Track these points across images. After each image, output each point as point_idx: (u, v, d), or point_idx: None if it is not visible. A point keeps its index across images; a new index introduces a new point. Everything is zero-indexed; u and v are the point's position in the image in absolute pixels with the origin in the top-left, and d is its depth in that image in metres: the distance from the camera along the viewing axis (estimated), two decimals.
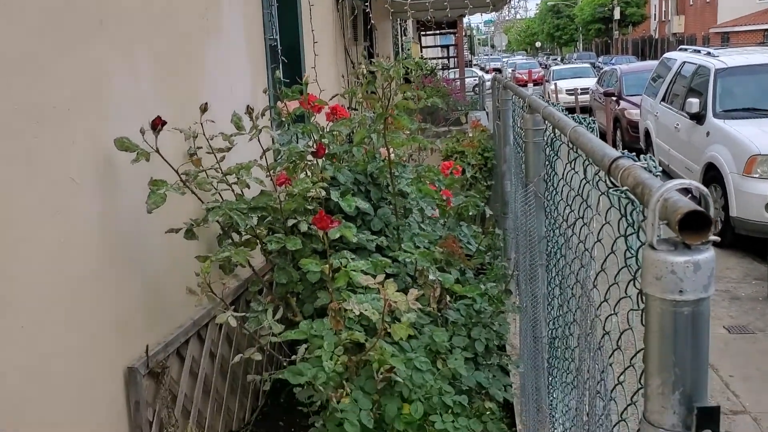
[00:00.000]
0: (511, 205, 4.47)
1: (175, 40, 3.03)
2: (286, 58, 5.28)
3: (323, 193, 2.69)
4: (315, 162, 3.10)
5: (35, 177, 2.05)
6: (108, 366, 2.42)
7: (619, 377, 1.48)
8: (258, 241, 2.77)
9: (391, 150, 3.27)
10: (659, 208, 0.96)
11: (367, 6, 6.81)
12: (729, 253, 7.04)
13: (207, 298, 2.53)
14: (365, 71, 2.98)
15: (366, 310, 2.21)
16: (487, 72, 45.12)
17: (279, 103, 3.12)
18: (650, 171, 1.19)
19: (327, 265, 2.40)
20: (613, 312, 1.55)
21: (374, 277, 2.24)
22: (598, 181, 1.66)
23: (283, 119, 3.12)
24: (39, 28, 2.08)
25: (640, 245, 1.26)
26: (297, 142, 3.19)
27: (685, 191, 1.05)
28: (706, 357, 0.98)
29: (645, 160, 1.25)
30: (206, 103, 2.73)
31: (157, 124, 2.40)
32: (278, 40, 5.26)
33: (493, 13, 15.70)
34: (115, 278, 2.48)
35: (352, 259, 2.80)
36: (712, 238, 0.95)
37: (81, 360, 2.26)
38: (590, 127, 1.84)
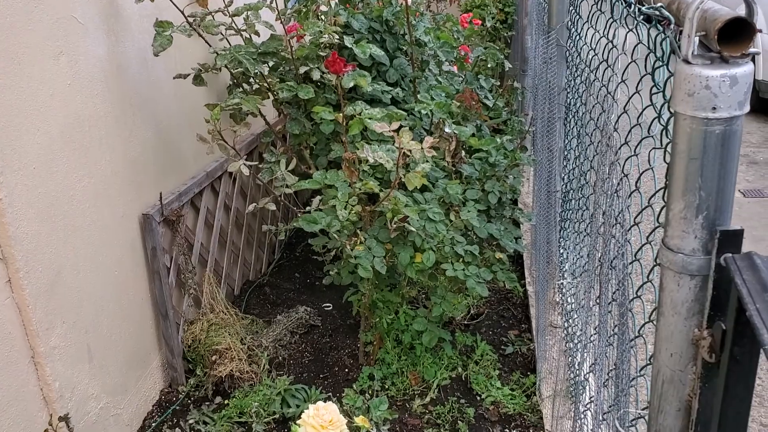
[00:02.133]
0: (531, 61, 4.31)
1: None
2: None
3: (336, 38, 2.57)
4: (328, 6, 2.96)
5: (38, 15, 1.96)
6: (123, 212, 2.44)
7: (635, 218, 1.46)
8: (269, 90, 2.70)
9: None
10: (697, 17, 0.89)
11: None
12: (752, 117, 6.88)
13: (218, 147, 2.50)
14: None
15: (381, 158, 2.17)
16: None
17: None
18: None
19: (341, 114, 2.34)
20: (633, 153, 1.51)
21: (389, 124, 2.19)
22: (626, 16, 1.55)
23: None
24: None
25: (668, 76, 1.19)
26: None
27: None
28: (734, 181, 0.94)
29: None
30: None
31: None
32: None
33: None
34: (126, 123, 2.44)
35: (366, 109, 2.74)
36: (753, 50, 0.88)
37: (95, 202, 2.27)
38: None
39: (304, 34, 2.57)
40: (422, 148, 2.15)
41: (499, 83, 3.63)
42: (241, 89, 2.67)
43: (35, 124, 1.96)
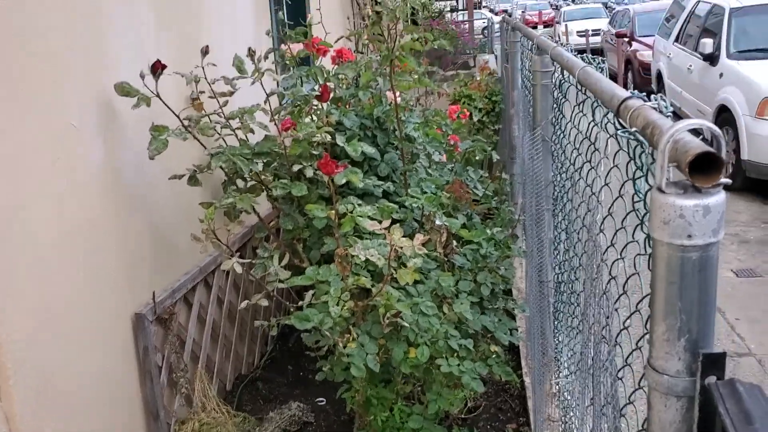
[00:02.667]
0: (518, 149, 4.42)
1: None
2: None
3: (329, 137, 2.65)
4: (320, 106, 3.05)
5: (34, 123, 2.02)
6: (116, 312, 2.44)
7: (624, 322, 1.47)
8: (263, 187, 2.75)
9: (398, 94, 3.21)
10: (669, 149, 0.93)
11: None
12: (739, 196, 6.99)
13: (212, 245, 2.52)
14: (370, 12, 2.90)
15: (372, 255, 2.19)
16: (496, 14, 44.20)
17: (283, 45, 3.05)
18: (660, 111, 1.15)
19: (333, 211, 2.38)
20: (619, 257, 1.54)
21: (380, 222, 2.22)
22: (607, 123, 1.62)
23: (287, 62, 3.06)
24: None
25: (648, 189, 1.23)
26: (302, 86, 3.13)
27: (696, 133, 1.02)
28: (714, 303, 0.96)
29: (655, 99, 1.21)
30: (207, 46, 2.67)
31: (158, 68, 2.35)
32: None
33: None
34: (120, 225, 2.47)
35: (358, 204, 2.79)
36: (724, 180, 0.92)
37: (89, 306, 2.27)
38: (599, 68, 1.79)
39: (298, 132, 2.64)
40: (413, 246, 2.18)
41: (488, 173, 3.70)
42: (234, 187, 2.72)
43: (29, 230, 1.98)
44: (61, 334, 2.12)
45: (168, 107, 2.45)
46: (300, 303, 2.64)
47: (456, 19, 15.05)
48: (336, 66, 3.45)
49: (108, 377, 2.39)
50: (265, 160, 2.69)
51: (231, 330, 3.43)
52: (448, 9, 23.07)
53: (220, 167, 2.52)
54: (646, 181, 1.25)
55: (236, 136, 2.75)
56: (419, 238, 2.19)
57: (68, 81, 2.18)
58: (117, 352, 2.45)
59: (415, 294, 2.67)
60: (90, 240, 2.28)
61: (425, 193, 3.14)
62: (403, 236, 2.94)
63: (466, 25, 12.79)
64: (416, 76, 2.96)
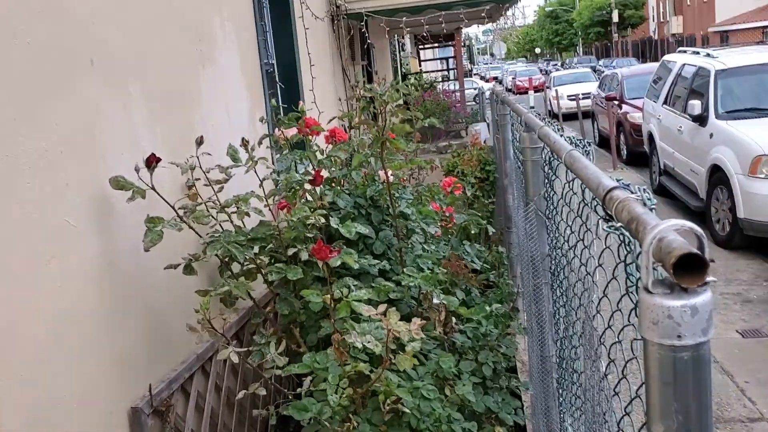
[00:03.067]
0: (514, 219, 4.43)
1: (168, 75, 3.03)
2: (283, 81, 5.29)
3: (322, 220, 2.66)
4: (314, 190, 3.08)
5: (28, 224, 2.03)
6: (110, 408, 2.39)
7: (626, 408, 1.44)
8: (259, 270, 2.75)
9: (391, 172, 3.25)
10: (653, 249, 0.93)
11: (362, 26, 6.82)
12: (738, 254, 6.98)
13: (208, 334, 2.50)
14: (361, 95, 2.96)
15: (369, 342, 2.17)
16: (487, 81, 45.17)
17: (276, 131, 3.11)
18: (645, 204, 1.16)
19: (328, 295, 2.38)
20: (617, 340, 1.52)
21: (376, 306, 2.21)
22: (596, 205, 1.63)
23: (282, 146, 3.11)
24: (24, 73, 2.08)
25: (638, 277, 1.23)
26: (296, 169, 3.17)
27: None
28: (710, 401, 0.94)
29: (640, 192, 1.22)
30: (201, 137, 2.72)
31: (152, 162, 2.39)
32: (275, 64, 5.27)
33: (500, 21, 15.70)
34: (115, 317, 2.46)
35: (354, 285, 2.78)
36: (710, 279, 0.92)
37: (83, 403, 2.23)
38: (586, 150, 1.81)
39: (292, 216, 2.66)
40: (410, 330, 2.16)
41: (486, 246, 3.71)
42: (230, 272, 2.72)
43: (24, 331, 1.97)
44: None
45: (163, 199, 2.47)
46: (299, 390, 2.60)
47: (447, 88, 15.36)
48: (330, 145, 3.51)
49: None
50: (260, 245, 2.70)
51: (230, 417, 3.35)
52: (439, 79, 23.59)
53: (216, 255, 2.53)
54: (636, 268, 1.25)
55: (232, 222, 2.77)
56: (416, 321, 2.17)
57: (63, 179, 2.21)
58: None
59: (415, 377, 2.64)
60: (83, 335, 2.26)
61: (422, 270, 3.14)
62: (402, 316, 2.93)
63: (458, 95, 13.04)
64: (407, 156, 3.00)
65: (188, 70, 3.26)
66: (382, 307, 2.20)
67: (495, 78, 52.15)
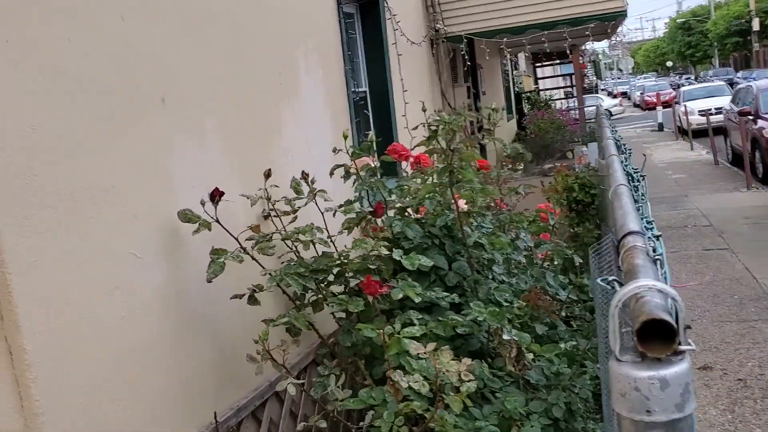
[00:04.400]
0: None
1: (245, 108, 3.13)
2: (375, 108, 5.34)
3: (384, 252, 2.63)
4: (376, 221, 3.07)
5: (93, 255, 2.14)
6: None
7: None
8: (325, 301, 2.76)
9: (465, 201, 3.17)
10: (618, 313, 0.83)
11: (462, 48, 6.77)
12: None
13: (272, 365, 2.53)
14: (430, 124, 2.91)
15: (416, 381, 2.11)
16: (614, 96, 43.43)
17: (348, 161, 3.12)
18: (648, 254, 1.04)
19: (381, 332, 2.33)
20: None
21: (426, 345, 2.14)
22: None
23: (354, 175, 3.12)
24: (96, 112, 2.20)
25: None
26: (368, 198, 3.17)
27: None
28: None
29: (652, 240, 1.10)
30: (269, 170, 2.78)
31: (215, 195, 2.46)
32: (367, 92, 5.33)
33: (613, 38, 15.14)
34: (183, 346, 2.54)
35: (419, 319, 2.72)
36: (685, 347, 0.80)
37: (144, 429, 2.31)
38: (635, 185, 1.67)
39: (354, 249, 2.64)
40: (458, 371, 2.07)
41: (569, 277, 3.53)
42: (295, 303, 2.74)
43: (85, 359, 2.07)
44: None
45: (227, 231, 2.53)
46: (361, 424, 2.57)
47: (564, 107, 14.94)
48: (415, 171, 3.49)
49: None
50: (322, 277, 2.70)
51: None
52: (556, 97, 22.94)
53: (278, 285, 2.56)
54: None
55: (296, 253, 2.80)
56: (465, 362, 2.08)
57: (130, 212, 2.32)
58: None
59: (479, 416, 2.53)
60: (146, 363, 2.35)
61: (498, 303, 3.03)
62: (471, 352, 2.83)
63: (574, 113, 12.64)
64: (477, 186, 2.91)
65: (267, 103, 3.35)
66: (431, 345, 2.13)
67: (623, 93, 50.09)
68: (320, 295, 2.80)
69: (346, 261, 2.72)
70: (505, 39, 6.47)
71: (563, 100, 21.72)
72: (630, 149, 2.78)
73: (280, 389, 2.41)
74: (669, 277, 1.44)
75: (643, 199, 1.70)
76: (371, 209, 2.79)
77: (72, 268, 2.06)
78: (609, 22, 6.59)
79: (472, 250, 3.05)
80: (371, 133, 3.08)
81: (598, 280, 1.09)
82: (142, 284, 2.36)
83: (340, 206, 2.87)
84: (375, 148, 3.10)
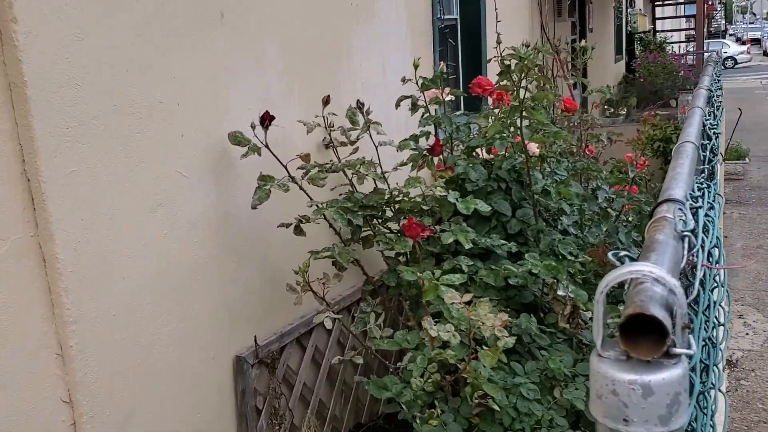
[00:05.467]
0: None
1: (312, 29, 3.00)
2: (465, 37, 5.08)
3: (439, 192, 2.50)
4: (445, 156, 2.92)
5: (136, 170, 2.13)
6: (213, 354, 2.49)
7: None
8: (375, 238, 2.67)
9: (538, 145, 2.96)
10: (603, 299, 0.68)
11: None
12: None
13: (314, 297, 2.49)
14: (503, 58, 2.69)
15: (447, 332, 2.00)
16: (743, 43, 40.05)
17: (416, 92, 2.96)
18: (676, 228, 0.87)
19: (420, 275, 2.23)
20: None
21: (462, 295, 2.02)
22: None
23: (422, 107, 2.96)
24: (145, 24, 2.14)
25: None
26: (439, 133, 3.02)
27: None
28: None
29: (685, 211, 0.92)
30: (328, 96, 2.67)
31: (265, 119, 2.38)
32: (457, 19, 5.07)
33: None
34: (227, 266, 2.53)
35: (469, 265, 2.60)
36: (680, 350, 0.65)
37: (182, 347, 2.34)
38: (704, 146, 1.45)
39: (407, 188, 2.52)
40: (493, 325, 1.94)
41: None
42: (340, 238, 2.67)
43: (121, 272, 2.09)
44: (147, 372, 2.20)
45: (276, 157, 2.47)
46: (398, 364, 2.51)
47: (680, 51, 13.90)
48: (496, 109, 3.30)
49: (200, 418, 2.44)
50: (371, 213, 2.60)
51: (352, 375, 3.37)
52: (681, 39, 21.39)
53: (324, 218, 2.49)
54: None
55: (352, 186, 2.71)
56: (501, 318, 1.95)
57: (178, 130, 2.28)
58: (212, 394, 2.50)
59: (520, 372, 2.41)
60: (191, 280, 2.35)
61: (561, 256, 2.85)
62: (524, 305, 2.70)
63: (688, 59, 11.74)
64: (552, 130, 2.69)
65: (338, 24, 3.21)
66: (467, 296, 2.00)
67: (754, 40, 46.13)
68: (371, 232, 2.71)
69: (399, 199, 2.61)
70: None
71: (683, 44, 20.24)
72: (721, 101, 2.47)
73: (317, 321, 2.37)
74: (723, 256, 1.24)
75: (713, 158, 1.48)
76: (428, 147, 2.64)
77: (113, 181, 2.05)
78: None
79: (538, 198, 2.86)
80: (441, 65, 2.89)
81: (609, 254, 0.93)
82: (187, 204, 2.34)
83: (404, 140, 2.74)
84: (445, 80, 2.91)
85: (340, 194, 2.76)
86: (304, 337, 2.98)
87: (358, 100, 2.62)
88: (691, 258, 0.88)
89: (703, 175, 1.35)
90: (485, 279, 2.59)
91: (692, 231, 0.91)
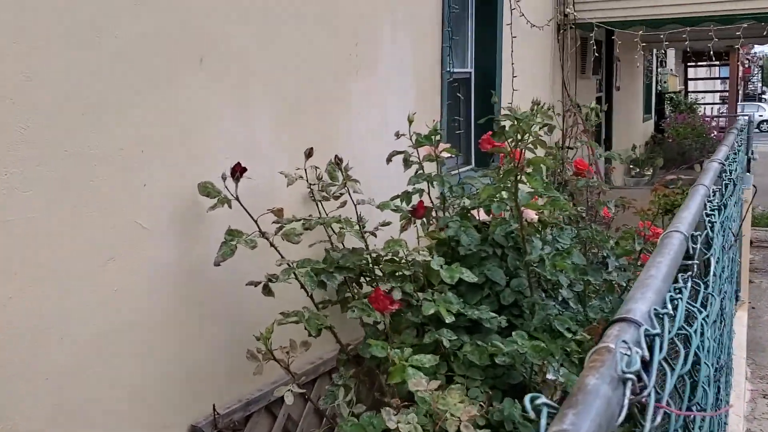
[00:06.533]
0: None
1: (306, 79, 2.87)
2: (479, 92, 4.93)
3: (423, 257, 2.30)
4: (438, 216, 2.73)
5: (87, 221, 1.97)
6: (166, 422, 2.29)
7: None
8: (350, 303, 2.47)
9: (537, 212, 2.75)
10: None
11: (592, 37, 6.15)
12: None
13: (280, 366, 2.29)
14: (495, 120, 2.52)
15: (408, 422, 1.77)
16: None
17: (409, 148, 2.79)
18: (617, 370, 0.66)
19: (389, 352, 2.02)
20: None
21: (429, 381, 1.80)
22: None
23: (416, 163, 2.78)
24: (108, 65, 2.01)
25: None
26: (428, 192, 2.83)
27: None
28: None
29: (628, 345, 0.71)
30: (311, 149, 2.51)
31: (236, 171, 2.22)
32: (472, 73, 4.93)
33: None
34: (188, 330, 2.35)
35: (451, 340, 2.38)
36: None
37: (131, 412, 2.15)
38: (696, 238, 1.24)
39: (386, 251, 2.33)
40: (460, 420, 1.72)
41: None
42: (314, 302, 2.47)
43: (60, 331, 1.91)
44: None
45: (246, 211, 2.29)
46: None
47: (718, 112, 13.65)
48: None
49: None
50: (347, 275, 2.41)
51: None
52: (716, 101, 21.12)
53: (296, 278, 2.30)
54: None
55: (332, 243, 2.52)
56: (470, 411, 1.72)
57: (140, 179, 2.13)
58: None
59: None
60: (143, 340, 2.17)
61: (556, 332, 2.62)
62: (512, 386, 2.50)
63: (720, 121, 11.49)
64: (545, 196, 2.49)
65: (335, 74, 3.07)
66: (434, 383, 1.79)
67: None
68: (349, 295, 2.51)
69: (387, 258, 2.41)
70: (640, 32, 5.79)
71: (716, 105, 19.96)
72: (734, 177, 2.24)
73: (278, 395, 2.16)
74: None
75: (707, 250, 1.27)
76: (412, 208, 2.45)
77: (58, 232, 1.89)
78: (766, 23, 5.72)
79: (533, 268, 2.65)
80: (435, 121, 2.72)
81: (526, 399, 0.72)
82: (146, 257, 2.17)
83: (395, 196, 2.55)
84: (440, 138, 2.74)
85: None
86: (275, 404, 2.76)
87: (335, 156, 2.45)
88: (642, 400, 0.68)
89: (689, 273, 1.14)
90: (469, 356, 2.36)
91: (646, 364, 0.71)
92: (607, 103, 8.78)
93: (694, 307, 1.08)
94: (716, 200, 1.67)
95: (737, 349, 4.91)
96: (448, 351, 2.38)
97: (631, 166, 10.12)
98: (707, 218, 1.38)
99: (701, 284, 1.22)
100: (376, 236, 2.58)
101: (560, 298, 2.96)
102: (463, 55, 4.88)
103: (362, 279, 2.57)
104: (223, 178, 2.26)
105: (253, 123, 2.59)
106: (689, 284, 1.14)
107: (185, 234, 2.32)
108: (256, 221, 2.30)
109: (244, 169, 2.23)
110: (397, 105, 3.61)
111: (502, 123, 2.46)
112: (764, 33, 5.65)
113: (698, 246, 1.24)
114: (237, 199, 2.27)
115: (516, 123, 2.36)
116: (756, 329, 7.33)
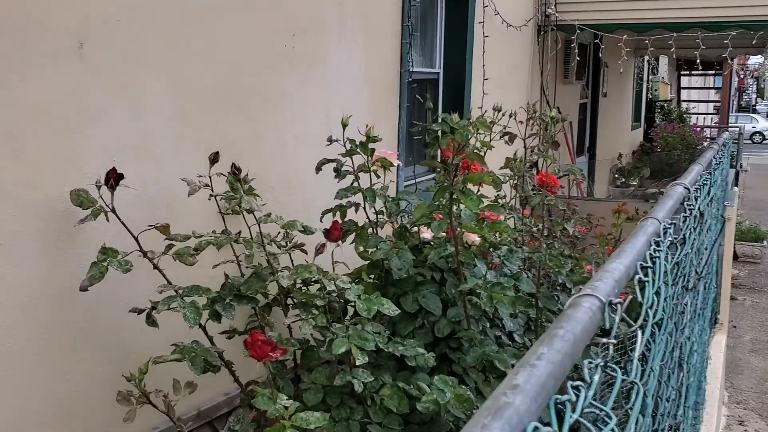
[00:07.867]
0: None
1: (222, 70, 2.51)
2: (448, 94, 4.59)
3: (330, 287, 1.96)
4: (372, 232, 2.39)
5: None
6: None
7: None
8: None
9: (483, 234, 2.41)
10: None
11: (574, 40, 5.81)
12: None
13: (170, 410, 1.94)
14: (428, 129, 2.19)
15: None
16: None
17: (341, 157, 2.44)
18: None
19: (283, 404, 1.67)
20: None
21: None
22: None
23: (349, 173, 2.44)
24: None
25: None
26: (364, 206, 2.49)
27: None
28: None
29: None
30: (216, 153, 2.16)
31: (110, 177, 1.87)
32: (440, 74, 4.59)
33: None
34: (62, 360, 2.00)
35: (365, 382, 2.04)
36: None
37: None
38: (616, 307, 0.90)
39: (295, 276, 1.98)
40: None
41: None
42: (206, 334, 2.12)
43: None
44: None
45: (125, 226, 1.94)
46: None
47: (710, 122, 13.39)
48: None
49: None
50: (249, 305, 2.07)
51: None
52: (709, 111, 20.91)
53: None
54: None
55: (239, 265, 2.18)
56: None
57: None
58: None
59: None
60: (5, 376, 1.82)
61: (497, 372, 2.30)
62: None
63: (708, 131, 11.21)
64: (483, 220, 2.15)
65: (262, 67, 2.72)
66: None
67: None
68: (259, 324, 2.17)
69: (289, 290, 2.07)
70: (624, 36, 5.46)
71: (709, 116, 19.69)
72: (699, 210, 1.90)
73: None
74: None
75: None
76: (326, 228, 2.10)
77: None
78: (755, 32, 5.40)
79: (469, 298, 2.31)
80: (368, 127, 2.37)
81: None
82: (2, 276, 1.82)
83: (326, 212, 2.20)
84: (373, 146, 2.39)
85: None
86: None
87: (233, 164, 2.09)
88: None
89: (597, 362, 0.80)
90: (386, 402, 2.03)
91: None
92: (592, 110, 8.48)
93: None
94: (666, 242, 1.33)
95: (711, 378, 4.60)
96: (363, 394, 2.04)
97: (616, 176, 9.82)
98: (645, 269, 1.04)
99: (618, 373, 0.89)
100: (291, 257, 2.24)
101: (505, 331, 2.64)
102: (431, 54, 4.54)
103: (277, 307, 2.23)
104: (98, 185, 1.90)
105: (149, 120, 2.24)
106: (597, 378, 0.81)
107: (58, 250, 1.97)
108: (136, 238, 1.95)
109: (121, 176, 1.88)
110: (344, 106, 3.25)
111: (438, 132, 2.12)
112: (753, 42, 5.34)
113: (617, 317, 0.91)
114: (113, 210, 1.92)
115: (451, 133, 2.02)
116: (736, 350, 7.03)
